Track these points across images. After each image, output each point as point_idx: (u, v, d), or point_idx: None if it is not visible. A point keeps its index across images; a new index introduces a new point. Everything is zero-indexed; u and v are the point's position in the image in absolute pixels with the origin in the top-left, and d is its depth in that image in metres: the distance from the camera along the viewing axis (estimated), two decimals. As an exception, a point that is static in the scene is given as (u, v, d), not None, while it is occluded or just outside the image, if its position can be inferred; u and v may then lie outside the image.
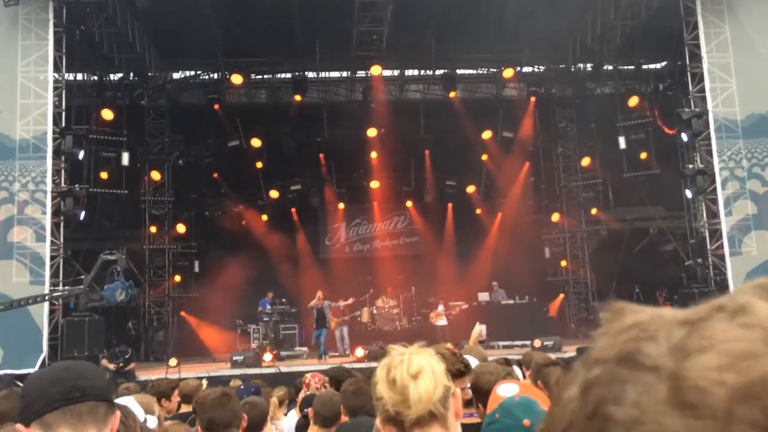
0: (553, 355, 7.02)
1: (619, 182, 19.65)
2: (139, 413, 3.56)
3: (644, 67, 19.73)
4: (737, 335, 0.39)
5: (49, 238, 13.91)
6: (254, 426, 3.70)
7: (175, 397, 5.09)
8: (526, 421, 2.08)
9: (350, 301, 17.27)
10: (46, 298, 13.16)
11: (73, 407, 1.57)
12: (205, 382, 7.75)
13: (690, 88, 15.94)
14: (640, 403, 0.39)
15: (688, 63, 15.98)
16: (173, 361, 14.01)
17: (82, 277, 13.56)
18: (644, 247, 20.35)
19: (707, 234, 16.01)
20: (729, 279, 14.88)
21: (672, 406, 0.37)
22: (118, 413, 1.70)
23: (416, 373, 1.49)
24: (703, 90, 15.52)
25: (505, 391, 2.43)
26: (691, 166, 16.00)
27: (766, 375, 0.37)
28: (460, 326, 17.06)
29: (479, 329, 4.41)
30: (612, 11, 16.80)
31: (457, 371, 2.89)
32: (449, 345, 3.24)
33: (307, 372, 7.78)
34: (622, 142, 18.76)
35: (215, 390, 3.40)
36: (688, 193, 17.02)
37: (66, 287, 14.00)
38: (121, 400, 3.71)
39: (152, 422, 3.43)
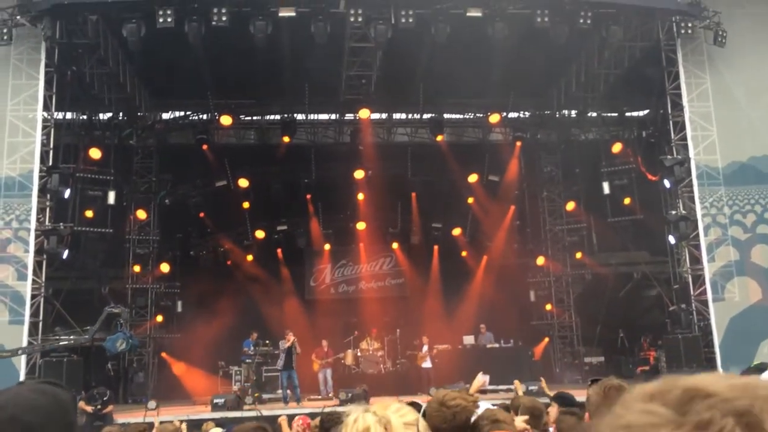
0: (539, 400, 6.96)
1: (603, 227, 19.84)
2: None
3: (627, 114, 20.16)
4: None
5: (30, 277, 13.76)
6: None
7: None
8: None
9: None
10: (52, 347, 13.25)
11: None
12: (184, 426, 7.61)
13: (672, 135, 16.26)
14: None
15: (670, 111, 16.33)
16: (152, 404, 13.73)
17: (88, 327, 13.67)
18: (628, 292, 20.44)
19: (690, 279, 16.13)
20: (712, 324, 14.95)
21: None
22: None
23: (363, 431, 1.51)
24: (684, 138, 15.83)
25: None
26: (674, 212, 16.21)
27: None
28: (444, 369, 16.94)
29: (482, 380, 4.38)
30: (596, 60, 17.21)
31: (444, 419, 2.89)
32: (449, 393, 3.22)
33: (286, 415, 7.66)
34: (606, 188, 19.03)
35: (251, 423, 3.44)
36: (672, 239, 17.20)
37: (72, 336, 14.02)
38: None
39: None
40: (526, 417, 3.86)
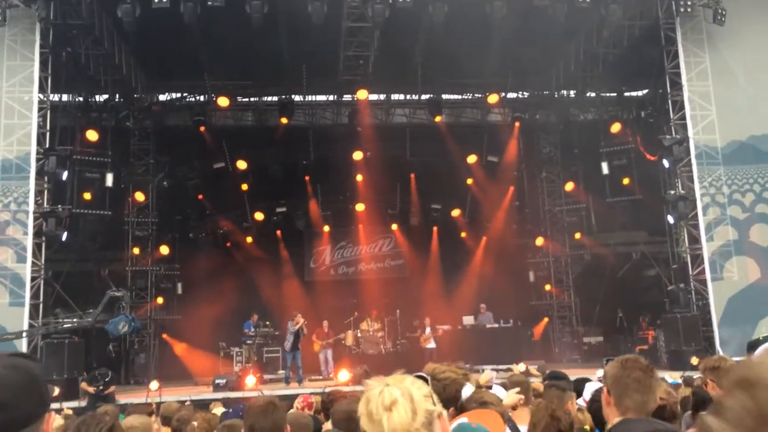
0: (536, 380, 7.02)
1: (602, 207, 19.85)
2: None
3: (626, 94, 20.09)
4: None
5: (30, 259, 13.77)
6: None
7: (155, 425, 5.02)
8: None
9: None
10: (56, 329, 13.36)
11: None
12: (190, 406, 7.66)
13: (671, 115, 16.21)
14: None
15: (669, 91, 16.27)
16: (154, 384, 13.82)
17: (91, 310, 13.78)
18: (627, 272, 20.50)
19: (689, 259, 16.17)
20: (711, 304, 15.01)
21: None
22: (51, 417, 1.54)
23: (390, 404, 1.51)
24: (684, 117, 15.79)
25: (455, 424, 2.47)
26: (672, 192, 16.21)
27: None
28: (445, 349, 17.03)
29: (490, 375, 4.51)
30: (595, 40, 17.10)
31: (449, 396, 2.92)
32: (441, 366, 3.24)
33: (291, 395, 7.72)
34: (605, 168, 19.01)
35: (263, 397, 3.44)
36: (670, 219, 17.22)
37: (75, 319, 14.10)
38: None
39: None
40: (518, 389, 4.06)
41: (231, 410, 5.98)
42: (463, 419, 2.51)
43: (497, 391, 4.09)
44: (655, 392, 2.61)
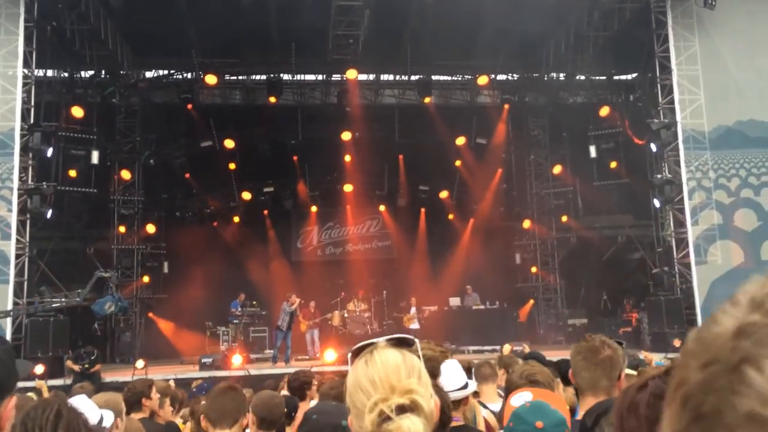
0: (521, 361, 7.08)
1: (589, 190, 19.94)
2: (94, 411, 3.50)
3: (615, 77, 20.09)
4: None
5: (14, 237, 13.64)
6: None
7: (155, 395, 5.02)
8: (539, 423, 2.14)
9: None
10: (44, 308, 13.32)
11: None
12: (172, 383, 7.67)
13: (660, 99, 16.26)
14: None
15: (658, 75, 16.30)
16: (140, 363, 13.82)
17: (80, 290, 13.76)
18: (612, 255, 20.66)
19: (674, 243, 16.32)
20: (694, 287, 15.20)
21: None
22: (10, 403, 1.50)
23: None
24: (672, 102, 15.85)
25: (518, 400, 2.45)
26: (659, 176, 16.31)
27: None
28: (431, 330, 17.13)
29: (510, 347, 4.69)
30: (585, 22, 17.06)
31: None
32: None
33: (277, 374, 7.75)
34: (592, 151, 19.07)
35: (223, 383, 3.48)
36: (656, 203, 17.34)
37: (63, 299, 14.05)
38: (74, 399, 3.66)
39: (109, 418, 3.40)
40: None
41: (198, 387, 6.02)
42: (527, 393, 2.48)
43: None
44: (607, 369, 2.62)
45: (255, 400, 3.87)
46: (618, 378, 2.64)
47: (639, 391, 1.22)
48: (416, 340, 1.55)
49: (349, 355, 1.53)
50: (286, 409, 4.42)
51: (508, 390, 2.94)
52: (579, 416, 2.67)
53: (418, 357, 1.49)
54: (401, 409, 1.34)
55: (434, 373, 2.98)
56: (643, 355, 8.27)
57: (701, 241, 15.39)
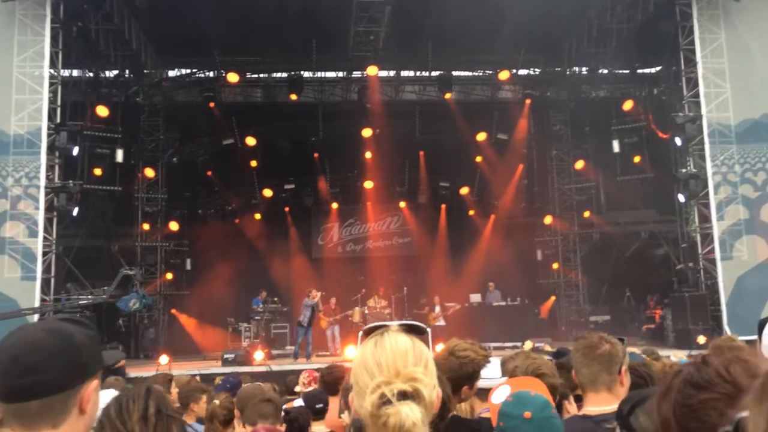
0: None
1: (612, 186, 19.75)
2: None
3: (639, 71, 19.84)
4: None
5: (41, 234, 13.87)
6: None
7: (174, 389, 5.09)
8: (527, 414, 2.12)
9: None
10: (71, 305, 13.68)
11: (20, 405, 1.44)
12: (198, 378, 7.76)
13: (684, 92, 16.03)
14: None
15: (683, 68, 16.08)
16: (164, 359, 13.98)
17: (105, 287, 14.08)
18: (636, 251, 20.44)
19: (699, 238, 16.10)
20: (720, 283, 14.97)
21: None
22: (92, 385, 1.53)
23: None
24: (697, 95, 15.62)
25: (499, 396, 2.44)
26: (683, 170, 16.10)
27: None
28: (452, 327, 17.11)
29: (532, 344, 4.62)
30: (608, 15, 16.88)
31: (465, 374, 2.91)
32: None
33: (299, 370, 7.81)
34: (616, 146, 18.87)
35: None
36: (681, 198, 17.12)
37: (89, 296, 14.36)
38: (106, 392, 3.72)
39: None
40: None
41: (223, 379, 6.08)
42: (505, 386, 2.48)
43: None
44: (606, 364, 2.61)
45: (238, 395, 3.91)
46: (619, 372, 2.63)
47: (675, 377, 1.23)
48: (428, 330, 1.55)
49: (360, 333, 1.53)
50: (304, 403, 4.46)
51: None
52: (582, 412, 2.65)
53: (428, 346, 1.49)
54: (402, 395, 1.35)
55: (474, 376, 2.96)
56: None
57: (727, 236, 15.16)
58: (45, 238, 13.99)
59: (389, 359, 1.40)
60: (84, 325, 1.58)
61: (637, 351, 5.97)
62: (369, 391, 1.36)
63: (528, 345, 14.78)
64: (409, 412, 1.33)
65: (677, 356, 8.95)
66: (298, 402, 4.93)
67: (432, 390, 1.40)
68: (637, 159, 18.83)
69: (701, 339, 14.19)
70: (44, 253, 13.93)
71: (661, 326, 17.30)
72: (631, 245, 20.42)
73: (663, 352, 7.77)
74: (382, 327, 1.50)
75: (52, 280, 14.18)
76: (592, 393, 2.63)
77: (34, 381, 1.44)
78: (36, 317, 13.41)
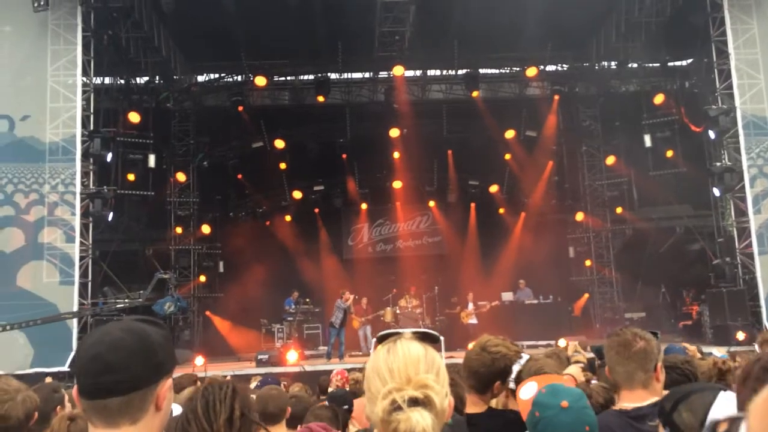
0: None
1: (644, 181, 19.43)
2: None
3: (670, 64, 19.50)
4: None
5: (78, 239, 14.18)
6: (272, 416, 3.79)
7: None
8: (564, 403, 2.12)
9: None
10: (110, 308, 14.09)
11: (100, 402, 1.50)
12: (229, 378, 7.86)
13: (717, 84, 15.72)
14: None
15: (715, 60, 15.77)
16: (199, 360, 14.17)
17: (141, 291, 14.43)
18: (670, 247, 20.10)
19: (735, 232, 15.77)
20: (758, 278, 14.65)
21: None
22: (167, 383, 1.58)
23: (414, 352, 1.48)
24: (730, 87, 15.30)
25: (527, 392, 2.43)
26: (718, 163, 15.78)
27: None
28: (484, 325, 17.02)
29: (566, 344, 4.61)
30: (636, 8, 16.64)
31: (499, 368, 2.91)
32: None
33: (331, 370, 7.86)
34: (647, 140, 18.54)
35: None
36: (716, 191, 16.77)
37: (126, 300, 14.77)
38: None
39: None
40: (581, 364, 4.00)
41: (261, 379, 6.14)
42: (532, 383, 2.47)
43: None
44: (641, 361, 2.57)
45: (256, 396, 3.95)
46: (654, 369, 2.58)
47: (753, 364, 1.22)
48: (441, 338, 1.57)
49: (374, 340, 1.55)
50: (328, 404, 4.49)
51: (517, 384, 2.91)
52: (618, 407, 2.62)
53: (440, 353, 1.51)
54: (413, 402, 1.36)
55: (507, 371, 2.96)
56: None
57: (764, 230, 14.82)
58: (81, 243, 14.30)
59: (401, 366, 1.42)
60: (159, 326, 1.64)
61: (684, 344, 5.87)
62: (381, 396, 1.38)
63: (563, 343, 14.62)
64: (420, 419, 1.35)
65: (720, 352, 8.78)
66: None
67: (444, 398, 1.41)
68: (669, 153, 18.49)
69: (740, 335, 13.89)
70: (81, 258, 14.23)
71: (699, 322, 16.99)
72: (665, 241, 20.08)
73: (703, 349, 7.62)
74: (396, 334, 1.53)
75: (89, 284, 14.49)
76: (626, 391, 2.60)
77: (115, 379, 1.49)
78: (75, 321, 13.72)
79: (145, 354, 1.54)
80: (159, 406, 1.56)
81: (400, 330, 1.54)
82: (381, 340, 1.54)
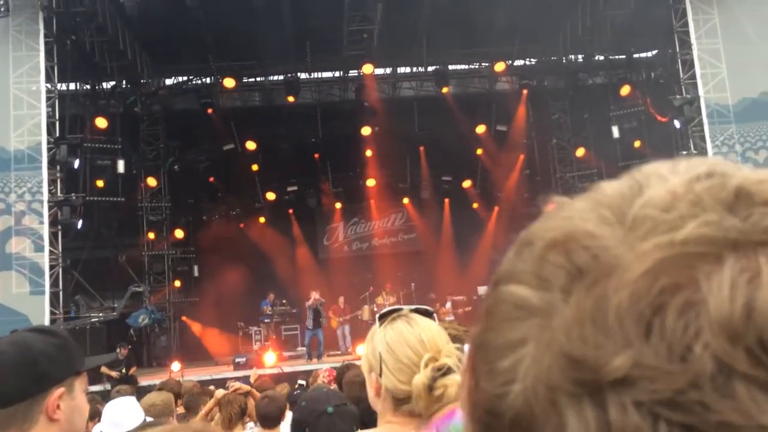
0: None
1: (614, 171, 18.89)
2: (138, 413, 3.59)
3: (635, 56, 19.81)
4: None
5: (47, 248, 13.95)
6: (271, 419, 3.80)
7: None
8: None
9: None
10: (84, 322, 13.92)
11: None
12: (213, 387, 7.81)
13: (681, 75, 16.00)
14: None
15: (678, 50, 16.04)
16: (176, 366, 14.07)
17: (115, 305, 14.29)
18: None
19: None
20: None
21: None
22: (56, 393, 1.57)
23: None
24: (693, 77, 15.58)
25: None
26: (684, 152, 16.04)
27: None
28: (460, 319, 17.13)
29: None
30: (601, 2, 16.85)
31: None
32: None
33: (312, 370, 7.86)
34: (615, 132, 18.80)
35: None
36: (683, 180, 17.05)
37: (100, 314, 14.58)
38: (120, 401, 3.75)
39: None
40: None
41: (297, 390, 6.12)
42: None
43: None
44: None
45: (257, 401, 3.97)
46: None
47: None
48: (434, 312, 1.68)
49: (377, 317, 1.64)
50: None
51: None
52: None
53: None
54: (448, 369, 1.48)
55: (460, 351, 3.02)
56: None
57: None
58: (51, 252, 14.07)
59: (429, 337, 1.55)
60: (51, 335, 1.63)
61: None
62: (422, 364, 1.48)
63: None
64: (458, 383, 1.46)
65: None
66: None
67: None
68: (637, 144, 18.78)
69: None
70: (51, 267, 14.01)
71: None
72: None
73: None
74: (398, 311, 1.65)
75: (61, 293, 14.26)
76: None
77: None
78: (47, 313, 13.51)
79: (25, 366, 1.54)
80: (51, 416, 1.55)
81: (399, 306, 1.66)
82: (383, 317, 1.65)
